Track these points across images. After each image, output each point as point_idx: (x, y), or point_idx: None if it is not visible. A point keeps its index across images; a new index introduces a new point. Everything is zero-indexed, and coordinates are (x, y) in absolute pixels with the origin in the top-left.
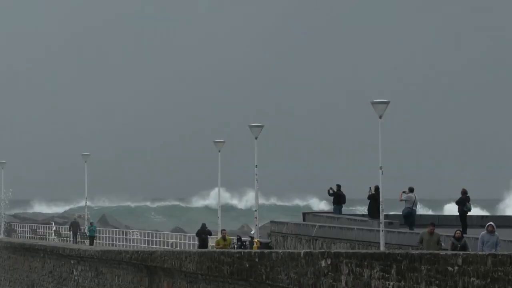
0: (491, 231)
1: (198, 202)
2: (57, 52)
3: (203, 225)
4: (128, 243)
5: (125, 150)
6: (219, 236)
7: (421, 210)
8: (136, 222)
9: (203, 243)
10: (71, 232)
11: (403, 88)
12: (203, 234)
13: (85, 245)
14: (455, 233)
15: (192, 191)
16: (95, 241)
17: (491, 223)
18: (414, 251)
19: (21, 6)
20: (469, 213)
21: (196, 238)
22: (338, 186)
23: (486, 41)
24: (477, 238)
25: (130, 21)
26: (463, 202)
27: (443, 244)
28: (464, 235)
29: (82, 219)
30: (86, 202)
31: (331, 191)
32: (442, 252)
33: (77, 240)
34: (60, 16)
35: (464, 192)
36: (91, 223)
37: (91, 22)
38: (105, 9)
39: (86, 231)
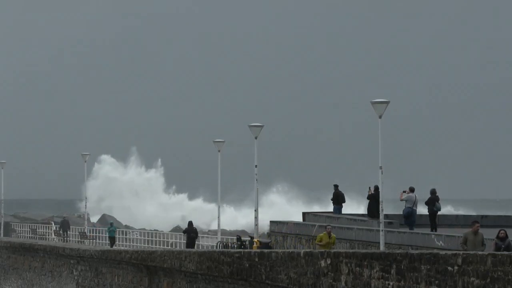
0: None
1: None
2: (58, 55)
3: (190, 223)
4: (128, 243)
5: (125, 149)
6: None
7: (422, 209)
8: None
9: (191, 242)
10: (61, 231)
11: (403, 88)
12: (191, 232)
13: (85, 244)
14: (499, 233)
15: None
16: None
17: None
18: (413, 251)
19: (22, 12)
20: (467, 213)
21: (184, 236)
22: (336, 186)
23: (486, 40)
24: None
25: (131, 23)
26: (433, 202)
27: (486, 245)
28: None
29: (82, 219)
30: (86, 202)
31: (332, 197)
32: (442, 252)
33: (67, 238)
34: (62, 21)
35: (433, 192)
36: (111, 224)
37: (93, 23)
38: (108, 11)
39: (84, 230)
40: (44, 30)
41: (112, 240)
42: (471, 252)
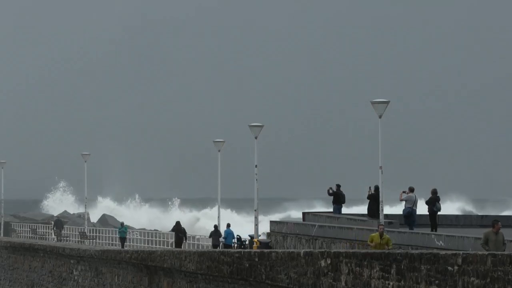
0: None
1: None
2: (59, 56)
3: (178, 223)
4: (128, 243)
5: (125, 149)
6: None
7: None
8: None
9: (179, 241)
10: (56, 230)
11: (403, 88)
12: (179, 233)
13: (85, 244)
14: None
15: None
16: (125, 243)
17: None
18: (414, 251)
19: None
20: (465, 213)
21: (173, 235)
22: (338, 186)
23: (487, 40)
24: (478, 238)
25: (131, 24)
26: (433, 202)
27: (506, 244)
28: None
29: (82, 219)
30: (85, 202)
31: (330, 191)
32: (442, 252)
33: (61, 237)
34: (62, 22)
35: (434, 192)
36: (122, 224)
37: (93, 23)
38: (109, 12)
39: (84, 230)
40: (44, 31)
41: (123, 241)
42: (471, 252)
